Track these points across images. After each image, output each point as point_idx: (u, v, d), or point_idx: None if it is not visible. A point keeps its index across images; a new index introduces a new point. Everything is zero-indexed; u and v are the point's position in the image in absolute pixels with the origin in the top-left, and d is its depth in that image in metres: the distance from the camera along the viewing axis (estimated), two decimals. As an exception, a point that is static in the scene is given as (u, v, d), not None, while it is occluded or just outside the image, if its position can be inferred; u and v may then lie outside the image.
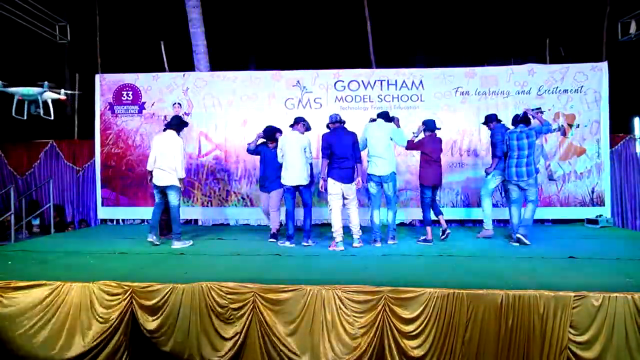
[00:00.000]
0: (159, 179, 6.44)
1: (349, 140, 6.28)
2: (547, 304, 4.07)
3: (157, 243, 6.55)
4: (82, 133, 9.76)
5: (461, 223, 8.52)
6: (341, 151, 6.22)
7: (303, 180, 6.40)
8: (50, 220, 8.95)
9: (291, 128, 6.54)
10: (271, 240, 6.80)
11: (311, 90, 8.73)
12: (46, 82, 7.23)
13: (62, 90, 7.51)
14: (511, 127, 6.75)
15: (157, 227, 6.64)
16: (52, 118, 7.37)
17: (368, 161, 6.56)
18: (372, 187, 6.55)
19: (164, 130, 6.65)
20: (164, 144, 6.44)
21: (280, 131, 7.06)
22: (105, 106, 9.00)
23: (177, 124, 6.62)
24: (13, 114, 7.11)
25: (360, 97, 8.68)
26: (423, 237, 6.73)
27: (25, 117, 7.29)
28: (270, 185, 6.94)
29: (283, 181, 6.36)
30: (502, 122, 7.07)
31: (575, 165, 8.45)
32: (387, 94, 8.64)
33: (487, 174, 6.96)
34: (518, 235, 6.32)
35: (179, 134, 6.55)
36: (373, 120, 6.77)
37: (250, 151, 7.18)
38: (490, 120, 7.05)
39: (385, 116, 6.71)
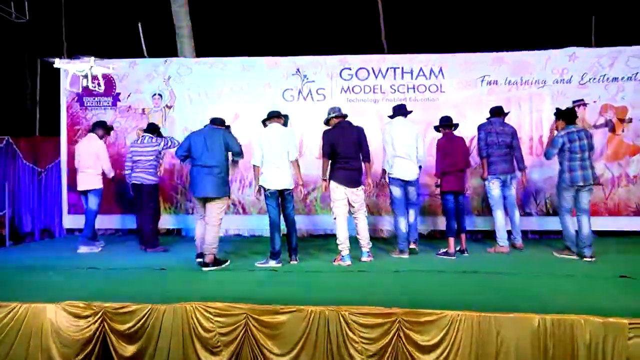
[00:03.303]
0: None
1: (355, 136, 6.24)
2: (595, 332, 3.99)
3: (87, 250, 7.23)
4: (45, 129, 9.77)
5: (486, 234, 8.47)
6: (346, 149, 6.19)
7: (289, 183, 6.29)
8: (6, 230, 8.92)
9: (265, 124, 6.45)
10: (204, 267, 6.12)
11: (313, 80, 8.72)
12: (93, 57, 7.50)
13: (111, 65, 7.63)
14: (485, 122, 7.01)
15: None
16: (103, 89, 7.67)
17: (388, 162, 6.62)
18: (396, 191, 6.61)
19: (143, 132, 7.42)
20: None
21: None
22: (73, 97, 9.00)
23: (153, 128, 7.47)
24: (68, 87, 7.57)
25: (370, 87, 8.67)
26: (444, 250, 6.72)
27: (80, 90, 7.92)
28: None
29: (264, 184, 6.22)
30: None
31: (627, 167, 8.32)
32: (402, 83, 8.63)
33: (485, 179, 7.02)
34: (588, 258, 6.31)
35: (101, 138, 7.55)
36: (391, 117, 6.79)
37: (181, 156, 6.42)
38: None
39: (402, 110, 6.72)
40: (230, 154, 6.27)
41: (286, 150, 6.25)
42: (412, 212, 6.89)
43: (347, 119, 6.47)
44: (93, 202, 7.40)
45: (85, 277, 5.73)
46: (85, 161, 7.41)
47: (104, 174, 7.52)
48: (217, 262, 6.12)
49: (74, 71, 7.25)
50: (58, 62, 7.29)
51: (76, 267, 6.18)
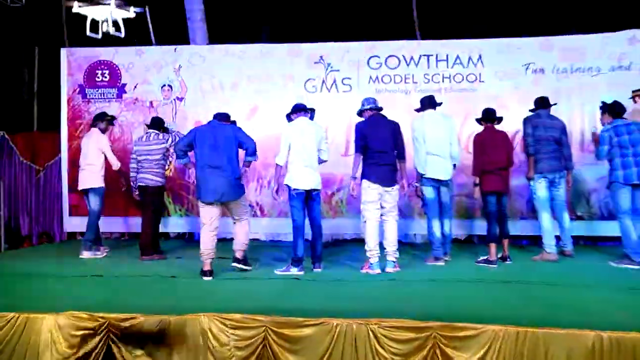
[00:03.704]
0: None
1: (390, 131, 6.24)
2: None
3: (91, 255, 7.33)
4: (44, 123, 9.83)
5: (531, 240, 8.39)
6: (380, 143, 6.16)
7: (317, 182, 6.32)
8: (2, 233, 9.05)
9: (290, 118, 6.48)
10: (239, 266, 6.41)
11: (338, 69, 8.73)
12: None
13: (132, 9, 7.73)
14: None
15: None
16: (123, 35, 7.77)
17: (419, 161, 6.61)
18: (429, 192, 6.62)
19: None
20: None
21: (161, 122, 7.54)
22: (74, 89, 9.12)
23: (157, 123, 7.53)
24: (88, 33, 7.72)
25: (400, 77, 8.65)
26: (484, 257, 6.67)
27: (100, 36, 8.10)
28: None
29: (291, 183, 6.25)
30: (539, 110, 7.00)
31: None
32: (436, 72, 8.60)
33: (530, 179, 6.95)
34: None
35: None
36: (419, 110, 6.75)
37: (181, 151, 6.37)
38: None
39: (431, 102, 6.72)
40: (238, 154, 6.28)
41: (317, 147, 6.28)
42: (446, 222, 6.81)
43: (381, 112, 6.46)
44: (94, 202, 7.48)
45: (88, 285, 5.80)
46: (86, 158, 7.51)
47: (109, 170, 7.58)
48: (246, 260, 6.36)
49: (93, 16, 7.26)
50: (76, 6, 7.30)
51: (78, 274, 6.26)
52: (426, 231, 6.99)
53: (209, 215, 6.13)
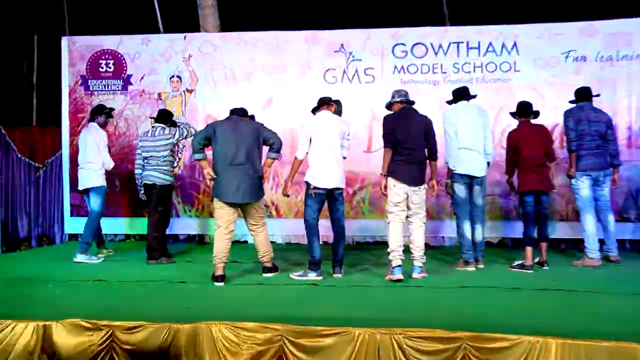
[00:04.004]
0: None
1: (421, 126, 6.21)
2: None
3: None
4: (44, 117, 9.84)
5: (571, 243, 8.33)
6: (408, 139, 6.12)
7: (340, 181, 6.33)
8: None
9: (315, 113, 6.50)
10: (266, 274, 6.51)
11: (360, 58, 8.74)
12: None
13: None
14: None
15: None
16: None
17: (451, 156, 6.57)
18: (461, 190, 6.57)
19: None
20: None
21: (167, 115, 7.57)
22: (76, 80, 9.21)
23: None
24: None
25: (428, 66, 8.65)
26: (519, 262, 6.65)
27: None
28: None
29: (312, 181, 6.25)
30: (581, 102, 6.92)
31: None
32: (467, 61, 8.58)
33: (571, 177, 6.88)
34: None
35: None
36: (451, 102, 6.72)
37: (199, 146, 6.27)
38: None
39: (465, 94, 6.68)
40: (261, 151, 6.30)
41: (340, 143, 6.31)
42: (478, 228, 6.70)
43: (412, 106, 6.41)
44: (95, 203, 7.52)
45: (91, 290, 5.85)
46: (86, 155, 7.55)
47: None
48: (275, 265, 6.53)
49: None
50: None
51: (80, 278, 6.31)
52: (456, 233, 6.95)
53: (225, 217, 6.16)
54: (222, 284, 6.01)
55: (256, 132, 6.21)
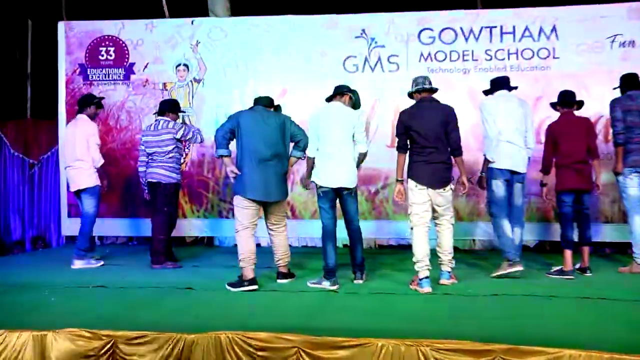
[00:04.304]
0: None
1: (441, 118, 6.06)
2: None
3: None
4: (39, 110, 9.82)
5: (617, 248, 8.27)
6: (427, 137, 6.03)
7: (349, 180, 6.26)
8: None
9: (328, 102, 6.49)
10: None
11: (383, 44, 8.73)
12: None
13: None
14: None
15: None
16: None
17: (486, 150, 6.49)
18: (499, 187, 6.47)
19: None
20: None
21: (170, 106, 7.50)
22: (74, 69, 9.28)
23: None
24: None
25: (458, 53, 8.63)
26: (557, 268, 6.63)
27: None
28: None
29: (317, 180, 6.25)
30: (629, 91, 6.82)
31: None
32: (500, 48, 8.55)
33: (618, 174, 6.79)
34: None
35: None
36: (488, 93, 6.66)
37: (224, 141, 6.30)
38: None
39: (506, 84, 6.63)
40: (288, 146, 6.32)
41: (348, 138, 6.25)
42: (516, 231, 6.61)
43: (435, 94, 6.30)
44: (89, 205, 7.50)
45: (91, 297, 5.87)
46: (75, 153, 7.46)
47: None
48: (291, 272, 6.62)
49: None
50: None
51: (78, 284, 6.33)
52: (487, 236, 6.91)
53: (249, 216, 6.21)
54: (256, 287, 6.04)
55: (283, 126, 6.24)
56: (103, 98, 8.14)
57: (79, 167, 7.43)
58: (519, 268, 6.40)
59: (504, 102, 6.54)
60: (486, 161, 6.59)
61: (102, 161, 7.54)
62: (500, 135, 6.43)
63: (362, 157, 6.46)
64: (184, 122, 7.62)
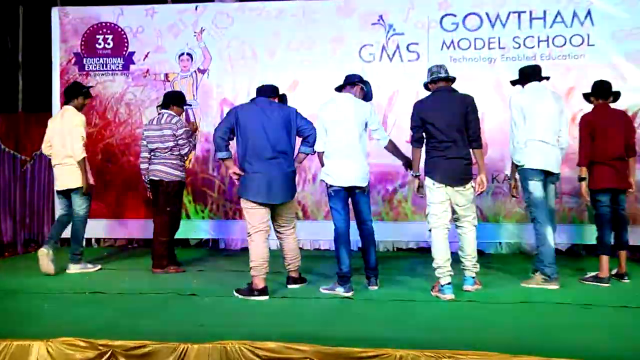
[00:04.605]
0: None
1: (459, 109, 6.04)
2: None
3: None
4: (31, 102, 9.81)
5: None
6: (444, 128, 6.00)
7: (361, 178, 6.26)
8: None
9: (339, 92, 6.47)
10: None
11: (402, 32, 8.72)
12: None
13: None
14: None
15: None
16: None
17: (518, 148, 6.41)
18: (537, 187, 6.36)
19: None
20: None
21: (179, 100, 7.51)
22: (69, 59, 9.31)
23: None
24: None
25: (483, 41, 8.60)
26: (592, 274, 6.59)
27: None
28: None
29: (327, 179, 6.23)
30: None
31: None
32: (529, 34, 8.51)
33: None
34: None
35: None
36: (516, 84, 6.61)
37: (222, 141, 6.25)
38: None
39: (537, 74, 6.54)
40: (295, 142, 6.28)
41: (359, 132, 6.25)
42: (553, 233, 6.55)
43: (452, 84, 6.28)
44: (80, 205, 7.40)
45: (87, 304, 5.88)
46: (65, 147, 7.29)
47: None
48: (302, 276, 6.64)
49: None
50: None
51: (74, 290, 6.37)
52: (515, 238, 6.86)
53: (259, 218, 6.15)
54: (267, 297, 6.02)
55: (289, 119, 6.20)
56: (91, 87, 8.04)
57: (70, 164, 7.27)
58: (555, 287, 6.27)
59: (536, 98, 6.41)
60: (514, 166, 6.53)
61: (83, 155, 7.24)
62: (531, 135, 6.32)
63: (391, 147, 6.49)
64: (188, 124, 7.56)
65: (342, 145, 6.18)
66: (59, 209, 7.69)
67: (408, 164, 6.46)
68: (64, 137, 7.26)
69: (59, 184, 7.46)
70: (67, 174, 7.32)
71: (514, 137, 6.46)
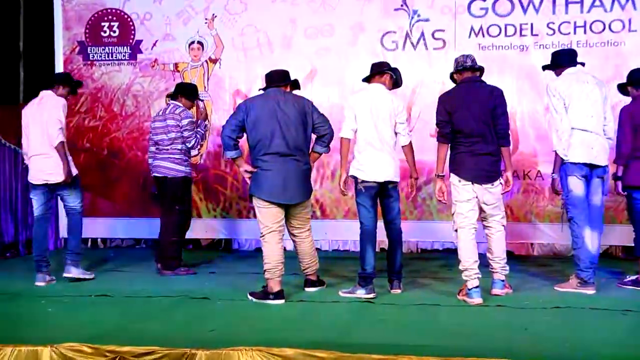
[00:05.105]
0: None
1: (487, 102, 6.01)
2: None
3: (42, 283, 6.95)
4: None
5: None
6: (472, 124, 5.98)
7: (394, 173, 6.27)
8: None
9: (367, 83, 6.46)
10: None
11: (427, 17, 8.73)
12: None
13: None
14: None
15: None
16: None
17: (560, 139, 6.28)
18: (576, 186, 6.26)
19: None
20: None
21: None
22: (73, 47, 9.39)
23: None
24: None
25: (514, 27, 8.59)
26: (632, 277, 6.58)
27: None
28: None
29: (358, 174, 6.22)
30: None
31: None
32: (565, 20, 8.48)
33: None
34: None
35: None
36: (548, 68, 6.56)
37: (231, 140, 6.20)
38: None
39: (572, 58, 6.44)
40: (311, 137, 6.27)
41: (391, 126, 6.26)
42: (593, 235, 6.39)
43: (480, 74, 6.26)
44: (74, 199, 7.20)
45: (93, 308, 5.93)
46: (43, 137, 6.98)
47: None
48: (320, 279, 6.66)
49: None
50: None
51: (78, 293, 6.41)
52: (548, 239, 6.83)
53: (273, 218, 6.12)
54: (282, 301, 6.02)
55: (304, 113, 6.16)
56: (81, 84, 7.94)
57: (53, 155, 6.92)
58: (591, 291, 6.23)
59: (577, 83, 6.24)
60: (558, 158, 6.32)
61: (60, 139, 6.87)
62: (574, 123, 6.18)
63: (410, 148, 6.45)
64: (197, 111, 7.60)
65: (376, 138, 6.18)
66: (35, 209, 7.20)
67: (415, 177, 6.52)
68: (46, 125, 6.93)
69: (43, 177, 7.03)
70: (52, 166, 6.94)
71: (557, 127, 6.30)
